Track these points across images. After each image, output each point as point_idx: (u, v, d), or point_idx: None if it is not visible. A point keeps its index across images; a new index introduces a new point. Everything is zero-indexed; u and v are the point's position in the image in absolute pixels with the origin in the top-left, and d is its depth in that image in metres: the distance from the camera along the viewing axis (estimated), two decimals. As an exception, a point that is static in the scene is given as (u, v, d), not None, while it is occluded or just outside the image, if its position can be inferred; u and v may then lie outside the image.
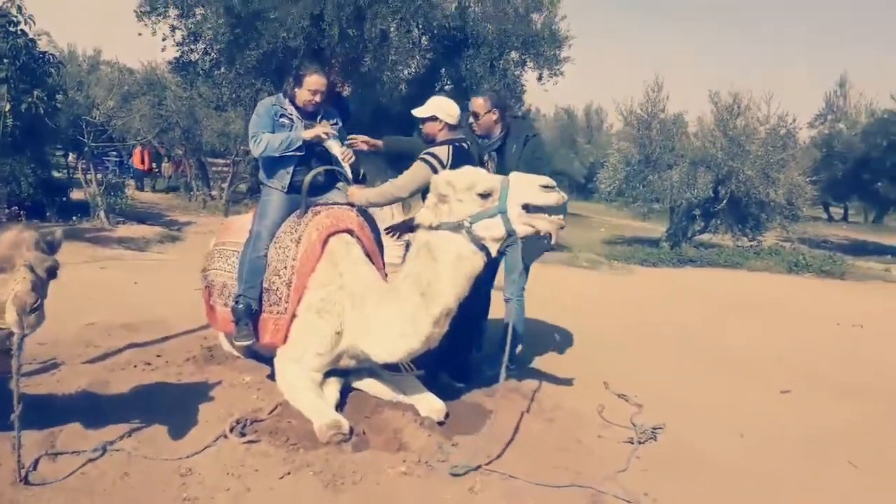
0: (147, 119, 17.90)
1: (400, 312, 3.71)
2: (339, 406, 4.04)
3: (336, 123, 4.49)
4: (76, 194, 14.15)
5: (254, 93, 12.11)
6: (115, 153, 20.53)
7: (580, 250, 13.82)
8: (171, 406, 3.89)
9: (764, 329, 7.56)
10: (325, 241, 4.09)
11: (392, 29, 11.59)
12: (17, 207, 11.68)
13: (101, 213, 12.92)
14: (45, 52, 11.82)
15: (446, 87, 13.03)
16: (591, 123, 40.15)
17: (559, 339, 6.23)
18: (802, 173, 15.91)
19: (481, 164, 4.51)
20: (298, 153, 4.28)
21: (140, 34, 11.98)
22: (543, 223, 3.47)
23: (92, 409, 3.82)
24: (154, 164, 21.86)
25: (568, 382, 4.95)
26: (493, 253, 3.64)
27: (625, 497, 3.29)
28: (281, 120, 4.34)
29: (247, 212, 5.48)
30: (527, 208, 3.46)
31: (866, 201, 27.87)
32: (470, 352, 4.77)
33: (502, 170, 4.16)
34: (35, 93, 11.04)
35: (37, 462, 3.19)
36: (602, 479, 3.44)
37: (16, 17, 10.77)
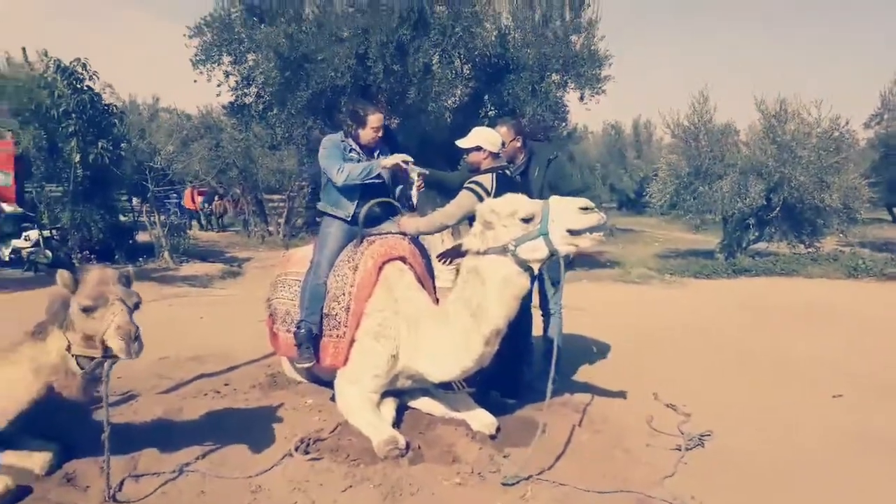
0: (205, 161, 18.75)
1: (452, 334, 3.92)
2: (396, 424, 4.24)
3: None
4: (141, 237, 14.87)
5: (305, 131, 12.61)
6: (175, 195, 21.46)
7: (632, 266, 13.80)
8: (240, 429, 4.13)
9: (818, 334, 7.48)
10: (380, 269, 4.35)
11: (434, 61, 11.93)
12: (88, 252, 12.39)
13: (166, 254, 13.57)
14: (110, 104, 12.58)
15: (489, 114, 13.27)
16: (639, 138, 39.89)
17: (608, 353, 6.33)
18: (859, 175, 15.55)
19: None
20: (376, 181, 4.58)
21: (195, 81, 12.63)
22: (586, 241, 3.66)
23: (168, 434, 4.10)
24: (206, 204, 22.58)
25: (618, 395, 5.05)
26: (536, 271, 3.85)
27: (672, 500, 3.40)
28: (350, 154, 4.63)
29: (305, 245, 5.78)
30: (569, 231, 3.66)
31: (932, 200, 26.87)
32: (519, 368, 4.92)
33: (527, 192, 4.33)
34: (101, 143, 11.78)
35: (122, 483, 3.47)
36: (650, 485, 3.55)
37: (81, 74, 11.52)
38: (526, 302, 4.60)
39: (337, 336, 4.32)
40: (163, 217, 15.05)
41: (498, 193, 4.21)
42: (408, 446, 3.86)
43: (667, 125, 16.56)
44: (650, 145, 38.22)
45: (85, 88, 11.58)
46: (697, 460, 3.95)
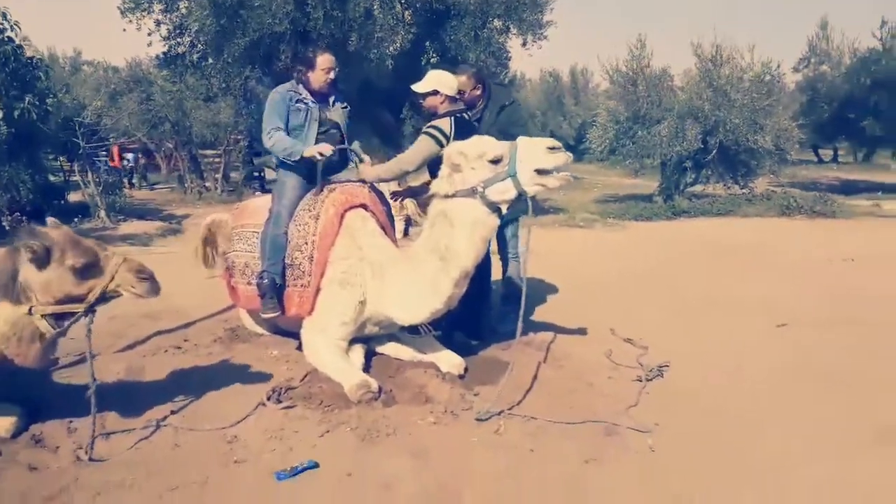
0: (135, 115, 18.00)
1: (422, 277, 3.96)
2: (365, 370, 4.29)
3: (346, 107, 4.72)
4: (73, 196, 14.29)
5: (242, 80, 12.23)
6: (104, 153, 20.61)
7: (576, 211, 14.04)
8: (207, 383, 4.13)
9: (756, 270, 7.82)
10: (342, 217, 4.33)
11: (375, 7, 11.65)
12: (18, 213, 11.82)
13: (102, 213, 13.08)
14: (33, 56, 11.88)
15: (432, 60, 13.11)
16: (577, 84, 40.06)
17: (562, 293, 6.50)
18: (789, 118, 16.06)
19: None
20: (333, 130, 4.55)
21: (125, 30, 12.02)
22: (553, 181, 3.72)
23: (133, 392, 4.06)
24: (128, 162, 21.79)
25: (577, 332, 5.21)
26: (504, 212, 3.92)
27: (636, 427, 3.57)
28: (297, 105, 4.50)
29: (245, 199, 5.71)
30: (537, 171, 3.70)
31: (854, 141, 27.97)
32: (482, 310, 5.01)
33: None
34: (27, 98, 11.13)
35: (92, 443, 3.43)
36: (615, 415, 3.71)
37: (2, 24, 10.82)
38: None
39: (301, 286, 4.31)
40: (95, 175, 14.43)
41: (457, 138, 4.21)
42: (380, 390, 3.92)
43: (605, 71, 16.68)
44: (587, 92, 38.45)
45: (6, 39, 10.88)
46: (657, 390, 4.14)
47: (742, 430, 3.64)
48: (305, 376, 4.20)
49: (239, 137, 18.71)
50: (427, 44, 13.32)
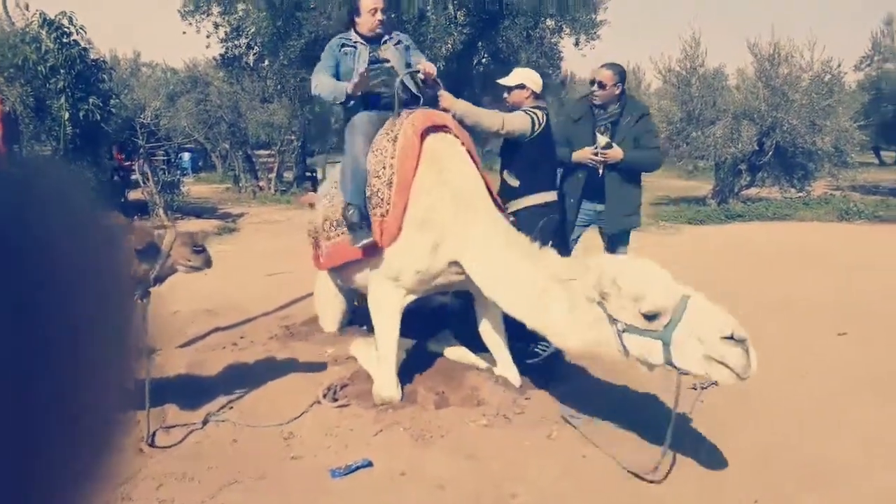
0: (193, 116, 18.48)
1: (531, 289, 3.40)
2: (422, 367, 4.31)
3: (399, 42, 4.44)
4: (132, 195, 14.74)
5: (298, 82, 12.42)
6: (163, 152, 21.18)
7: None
8: (264, 380, 4.21)
9: (815, 276, 7.61)
10: (423, 138, 3.94)
11: (429, 8, 11.71)
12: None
13: (160, 211, 13.46)
14: (97, 59, 12.31)
15: (483, 60, 13.13)
16: (629, 84, 39.47)
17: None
18: (850, 118, 15.58)
19: (593, 134, 4.72)
20: (344, 104, 4.30)
21: (184, 33, 12.35)
22: (721, 372, 2.88)
23: (193, 387, 4.18)
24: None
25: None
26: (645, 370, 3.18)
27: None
28: (343, 50, 4.33)
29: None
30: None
31: (919, 142, 27.02)
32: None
33: (615, 140, 4.47)
34: (91, 100, 11.55)
35: (153, 434, 3.55)
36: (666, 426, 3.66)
37: (68, 28, 11.24)
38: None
39: (381, 215, 3.92)
40: (153, 175, 14.86)
41: (542, 133, 4.24)
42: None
43: (658, 70, 16.43)
44: (639, 92, 37.85)
45: (72, 43, 11.30)
46: (713, 399, 4.06)
47: (804, 438, 3.58)
48: (355, 373, 4.24)
49: (292, 138, 19.04)
50: (479, 44, 13.35)
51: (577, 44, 13.32)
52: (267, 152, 22.65)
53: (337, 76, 4.33)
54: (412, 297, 4.01)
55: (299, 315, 5.66)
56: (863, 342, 5.14)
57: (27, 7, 11.69)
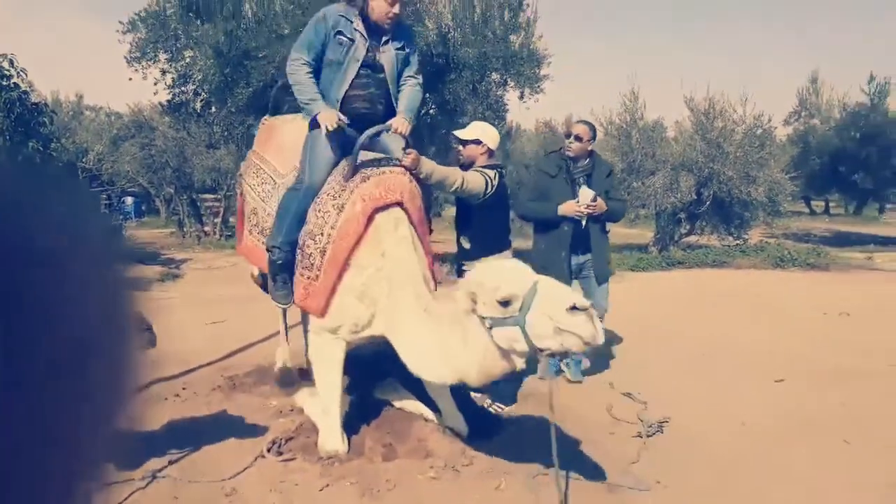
0: (136, 161, 18.20)
1: (438, 342, 3.41)
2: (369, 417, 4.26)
3: (401, 48, 4.00)
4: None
5: (245, 129, 12.36)
6: (105, 196, 20.75)
7: (572, 260, 14.08)
8: (206, 433, 4.11)
9: (753, 322, 7.85)
10: (371, 217, 3.73)
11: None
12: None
13: (101, 257, 13.11)
14: (38, 102, 12.08)
15: (431, 111, 13.29)
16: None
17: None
18: (781, 170, 16.29)
19: (571, 187, 4.92)
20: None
21: (130, 79, 12.21)
22: (572, 339, 2.98)
23: (134, 440, 4.04)
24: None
25: (575, 385, 5.23)
26: (519, 367, 3.26)
27: (637, 486, 3.56)
28: (338, 38, 3.80)
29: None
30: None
31: (845, 193, 28.35)
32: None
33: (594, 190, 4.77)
34: (31, 143, 11.29)
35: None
36: (617, 472, 3.71)
37: (8, 70, 11.03)
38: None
39: (308, 278, 3.79)
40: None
41: (495, 193, 4.29)
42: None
43: (599, 123, 16.96)
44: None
45: (12, 86, 11.08)
46: (658, 446, 4.14)
47: (744, 487, 3.65)
48: (298, 427, 4.16)
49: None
50: (427, 96, 13.55)
51: (521, 97, 13.62)
52: (213, 196, 22.40)
53: (318, 61, 3.86)
54: (346, 346, 3.90)
55: (242, 366, 5.57)
56: (799, 389, 5.30)
57: (-35, 49, 11.43)
